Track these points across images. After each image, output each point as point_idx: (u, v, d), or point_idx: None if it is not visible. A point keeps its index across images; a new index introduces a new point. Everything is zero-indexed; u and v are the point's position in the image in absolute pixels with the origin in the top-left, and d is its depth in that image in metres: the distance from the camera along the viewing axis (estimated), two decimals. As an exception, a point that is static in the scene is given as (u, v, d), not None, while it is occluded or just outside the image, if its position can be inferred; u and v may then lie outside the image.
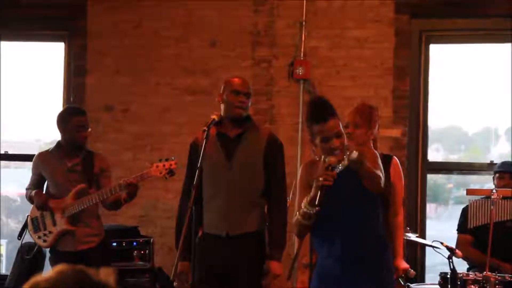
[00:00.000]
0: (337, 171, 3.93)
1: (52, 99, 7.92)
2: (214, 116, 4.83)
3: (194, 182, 4.58)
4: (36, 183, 5.98)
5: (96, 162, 5.91)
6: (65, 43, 7.93)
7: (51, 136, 7.70)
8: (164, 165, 5.38)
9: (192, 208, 4.49)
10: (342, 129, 4.11)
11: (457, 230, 6.53)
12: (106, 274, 2.15)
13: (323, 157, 4.09)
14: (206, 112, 5.17)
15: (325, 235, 4.22)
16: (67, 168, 5.86)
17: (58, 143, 5.95)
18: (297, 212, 4.12)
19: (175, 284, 4.95)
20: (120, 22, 7.71)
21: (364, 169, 3.97)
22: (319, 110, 4.11)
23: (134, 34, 7.68)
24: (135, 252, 6.72)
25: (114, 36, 7.70)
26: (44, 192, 5.94)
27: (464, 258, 6.10)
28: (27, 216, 6.04)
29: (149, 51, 7.66)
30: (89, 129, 5.90)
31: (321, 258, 4.29)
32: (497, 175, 6.52)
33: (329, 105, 4.14)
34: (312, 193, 3.96)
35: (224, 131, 5.00)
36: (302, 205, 4.05)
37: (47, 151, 6.02)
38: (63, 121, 5.87)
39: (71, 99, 7.72)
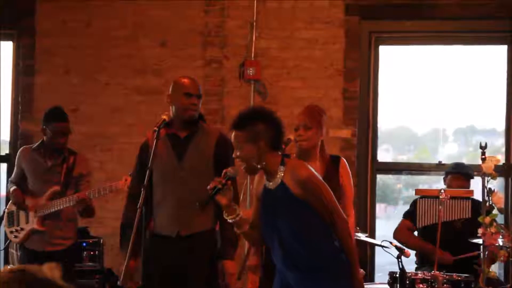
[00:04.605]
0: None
1: (1, 98, 7.81)
2: (164, 117, 4.81)
3: (145, 183, 4.58)
4: (19, 177, 6.00)
5: (76, 166, 5.91)
6: (13, 42, 7.84)
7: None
8: None
9: (142, 208, 4.48)
10: (242, 144, 4.03)
11: (403, 215, 6.57)
12: (50, 269, 2.10)
13: None
14: (156, 112, 5.14)
15: (269, 245, 4.22)
16: (46, 167, 5.87)
17: (42, 141, 5.94)
18: None
19: (129, 284, 4.92)
20: (70, 21, 7.64)
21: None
22: (237, 116, 4.08)
23: (83, 33, 7.62)
24: (85, 252, 6.68)
25: (63, 36, 7.62)
26: (24, 186, 5.94)
27: (402, 242, 6.09)
28: (4, 209, 6.08)
29: (99, 51, 7.60)
30: (68, 135, 5.88)
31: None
32: (451, 175, 6.52)
33: (249, 116, 4.06)
34: None
35: (174, 132, 4.97)
36: None
37: (30, 147, 6.03)
38: (44, 121, 5.87)
39: (19, 99, 7.64)
